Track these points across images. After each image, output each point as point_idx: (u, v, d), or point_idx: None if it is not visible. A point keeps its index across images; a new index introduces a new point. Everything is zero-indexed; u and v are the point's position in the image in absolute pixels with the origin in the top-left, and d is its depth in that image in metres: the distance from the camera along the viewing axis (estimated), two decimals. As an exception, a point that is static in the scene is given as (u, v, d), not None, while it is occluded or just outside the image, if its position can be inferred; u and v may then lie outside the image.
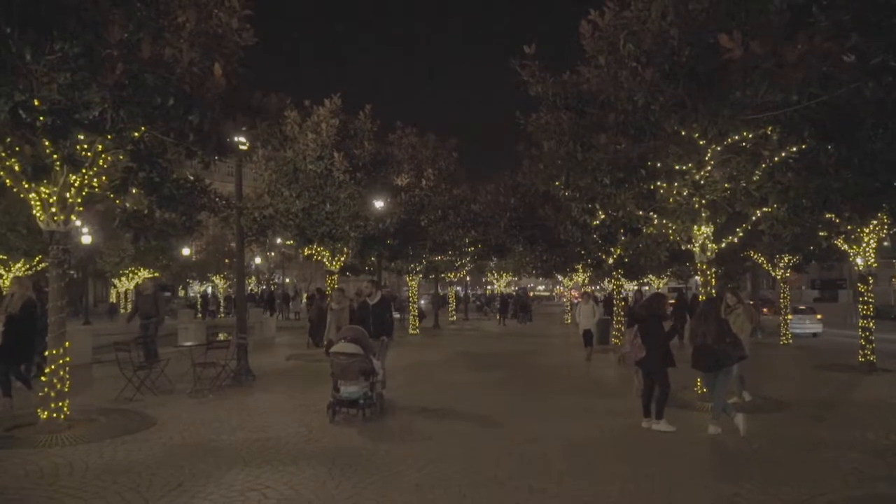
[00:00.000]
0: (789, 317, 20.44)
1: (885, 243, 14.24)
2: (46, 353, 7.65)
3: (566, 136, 9.85)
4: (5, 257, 23.45)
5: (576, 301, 35.86)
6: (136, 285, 26.95)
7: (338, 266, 16.84)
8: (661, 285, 30.18)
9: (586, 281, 25.81)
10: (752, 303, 17.39)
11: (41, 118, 6.31)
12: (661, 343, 7.95)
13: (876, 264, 13.25)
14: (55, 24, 5.84)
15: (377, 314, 9.91)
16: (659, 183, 9.53)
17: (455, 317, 35.56)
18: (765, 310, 29.63)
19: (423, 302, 36.80)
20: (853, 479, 5.98)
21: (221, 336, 13.80)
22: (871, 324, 13.46)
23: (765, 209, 9.75)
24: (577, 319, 16.12)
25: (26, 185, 7.35)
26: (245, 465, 6.30)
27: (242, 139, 10.37)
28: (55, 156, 7.06)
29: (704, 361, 7.72)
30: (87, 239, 24.39)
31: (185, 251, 34.90)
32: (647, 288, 35.24)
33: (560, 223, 17.53)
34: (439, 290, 35.71)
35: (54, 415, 7.53)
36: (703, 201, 9.23)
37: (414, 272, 24.30)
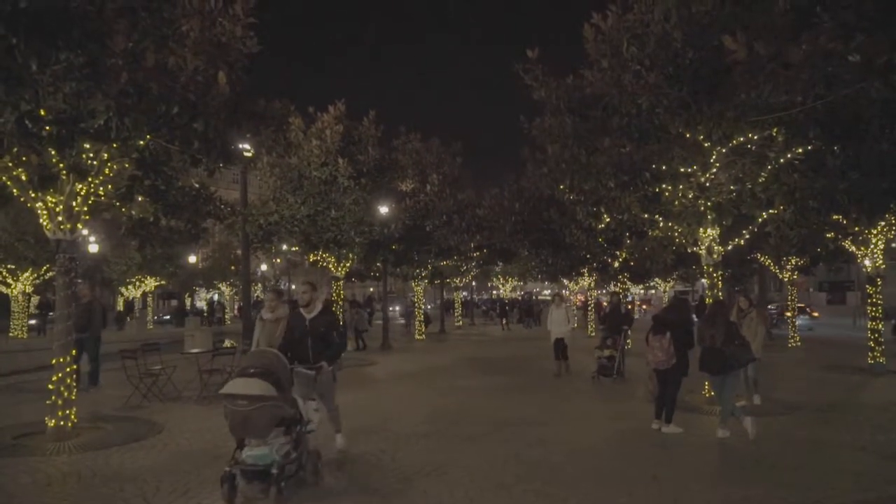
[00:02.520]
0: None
1: (894, 244, 14.15)
2: (53, 360, 7.65)
3: (570, 140, 9.86)
4: (14, 266, 23.67)
5: (580, 304, 35.76)
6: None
7: (343, 272, 16.87)
8: (667, 288, 30.11)
9: (592, 285, 25.63)
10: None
11: (47, 128, 6.36)
12: (686, 349, 7.96)
13: (884, 265, 13.17)
14: (60, 34, 5.89)
15: (318, 334, 6.51)
16: (664, 185, 9.52)
17: (461, 322, 35.55)
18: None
19: (429, 307, 36.82)
20: (863, 481, 5.92)
21: (227, 343, 13.78)
22: (881, 325, 13.38)
23: (771, 211, 9.71)
24: (549, 327, 13.61)
25: (33, 195, 7.39)
26: (251, 471, 6.28)
27: (247, 146, 10.45)
28: (61, 165, 7.10)
29: (713, 364, 7.67)
30: (93, 247, 24.50)
31: (192, 259, 35.04)
32: (653, 291, 35.09)
33: (565, 227, 17.53)
34: (445, 295, 35.73)
35: (61, 423, 7.53)
36: (709, 203, 9.21)
37: (419, 277, 24.32)
